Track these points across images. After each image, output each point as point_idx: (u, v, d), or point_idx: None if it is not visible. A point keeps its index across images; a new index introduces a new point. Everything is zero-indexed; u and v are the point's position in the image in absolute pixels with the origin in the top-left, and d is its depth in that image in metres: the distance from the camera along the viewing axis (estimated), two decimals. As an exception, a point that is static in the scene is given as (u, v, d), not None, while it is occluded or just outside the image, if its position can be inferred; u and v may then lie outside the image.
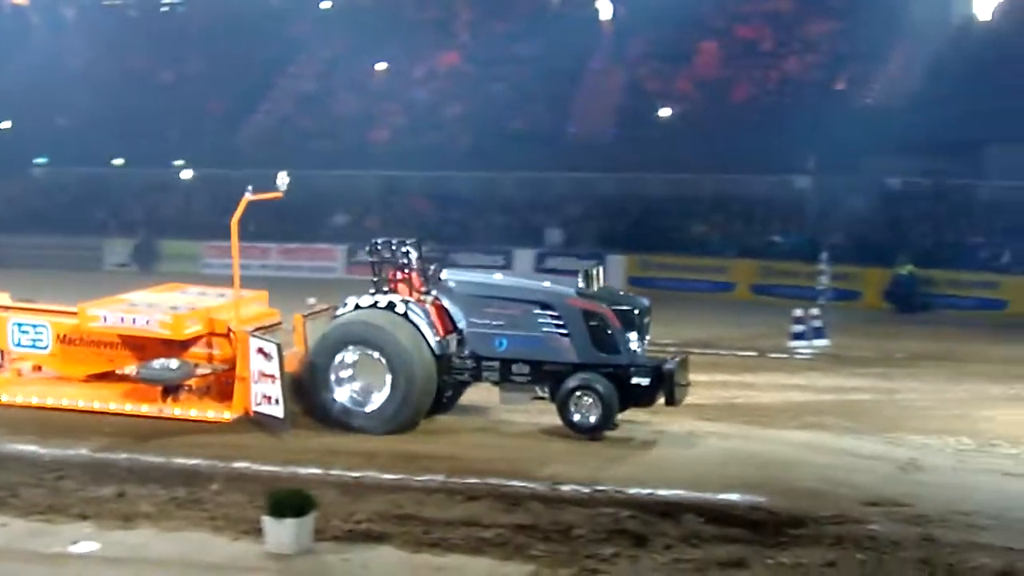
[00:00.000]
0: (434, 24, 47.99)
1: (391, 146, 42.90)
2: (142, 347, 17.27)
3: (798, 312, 25.06)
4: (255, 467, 14.76)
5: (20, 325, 17.85)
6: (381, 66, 46.33)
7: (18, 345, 18.04)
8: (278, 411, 15.95)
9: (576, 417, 16.06)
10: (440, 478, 14.31)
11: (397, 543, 12.07)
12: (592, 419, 15.99)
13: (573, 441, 16.27)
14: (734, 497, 13.72)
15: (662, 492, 13.89)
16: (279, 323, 17.65)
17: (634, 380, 16.05)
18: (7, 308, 18.37)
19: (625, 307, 16.64)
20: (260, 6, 50.50)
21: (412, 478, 14.33)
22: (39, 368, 18.56)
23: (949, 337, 26.36)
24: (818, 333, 24.83)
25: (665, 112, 41.18)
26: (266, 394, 16.05)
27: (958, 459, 15.72)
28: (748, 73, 41.43)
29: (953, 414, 18.41)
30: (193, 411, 16.82)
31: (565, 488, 13.94)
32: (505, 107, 43.39)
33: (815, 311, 25.07)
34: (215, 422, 16.58)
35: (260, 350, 16.06)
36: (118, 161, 45.06)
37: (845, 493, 13.98)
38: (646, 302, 17.15)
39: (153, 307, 17.44)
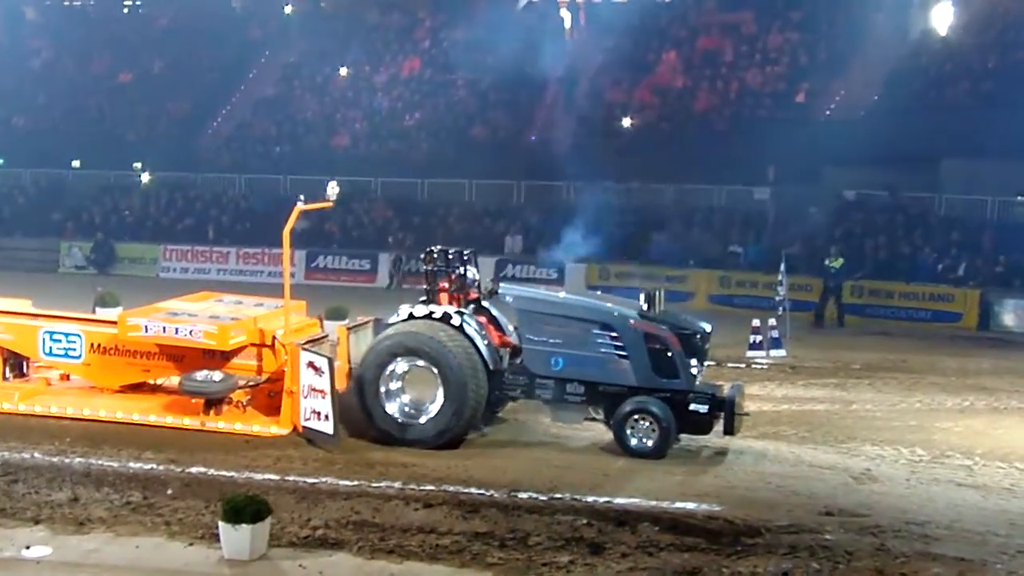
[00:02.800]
0: (396, 30, 47.92)
1: (352, 152, 42.81)
2: (181, 357, 16.93)
3: (756, 322, 25.19)
4: (211, 472, 14.68)
5: (52, 334, 17.44)
6: (343, 71, 46.25)
7: (49, 354, 17.60)
8: (328, 427, 15.64)
9: (633, 442, 15.82)
10: (397, 485, 14.29)
11: (353, 550, 12.06)
12: (650, 443, 15.76)
13: (531, 449, 16.29)
14: (690, 506, 13.78)
15: (619, 500, 13.93)
16: (326, 335, 17.36)
17: (692, 407, 15.85)
18: (37, 316, 17.99)
19: (687, 331, 16.38)
20: (222, 9, 50.30)
21: (369, 484, 14.30)
22: (67, 377, 18.17)
23: (904, 349, 26.56)
24: (775, 343, 24.95)
25: (626, 122, 41.27)
26: (315, 409, 15.72)
27: (912, 470, 15.85)
28: (709, 84, 41.62)
29: (908, 425, 18.56)
30: (238, 425, 16.43)
31: (522, 496, 13.95)
32: (467, 114, 43.41)
33: (772, 321, 25.22)
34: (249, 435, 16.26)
35: (311, 364, 15.73)
36: (76, 163, 44.71)
37: (800, 503, 14.08)
38: (708, 327, 16.86)
39: (194, 316, 17.10)
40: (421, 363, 16.07)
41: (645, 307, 16.41)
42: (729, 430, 16.06)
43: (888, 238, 33.51)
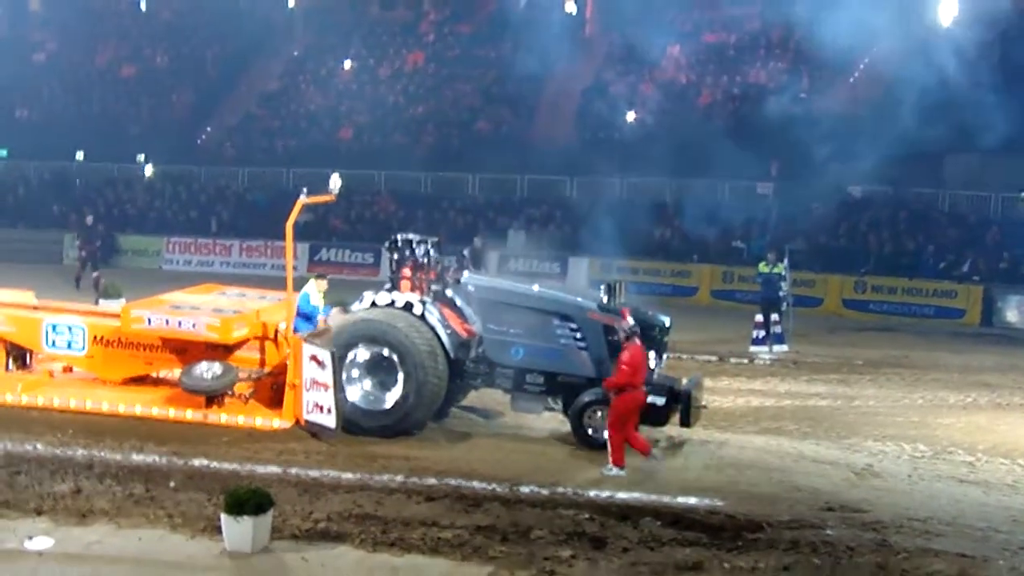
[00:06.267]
0: (400, 24, 47.95)
1: (356, 145, 42.81)
2: (184, 350, 16.89)
3: (759, 317, 25.18)
4: (214, 465, 14.68)
5: (55, 326, 17.42)
6: (347, 65, 46.23)
7: (52, 346, 17.57)
8: (330, 421, 15.61)
9: (589, 431, 15.87)
10: (399, 478, 14.29)
11: (355, 542, 12.06)
12: (605, 435, 15.67)
13: (531, 443, 16.29)
14: (692, 501, 13.78)
15: (621, 495, 13.93)
16: (328, 329, 17.43)
17: (649, 399, 15.77)
18: (40, 308, 17.99)
19: (646, 324, 16.36)
20: (226, 2, 50.24)
21: (371, 477, 14.30)
22: (69, 369, 18.16)
23: (907, 344, 26.56)
24: (778, 339, 24.96)
25: (630, 116, 41.24)
26: (318, 403, 15.68)
27: (914, 466, 15.85)
28: (713, 79, 41.55)
29: (910, 421, 18.57)
30: (240, 418, 16.38)
31: (524, 490, 13.95)
32: (470, 108, 43.39)
33: (776, 317, 25.19)
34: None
35: (313, 357, 15.70)
36: (80, 155, 44.72)
37: (802, 498, 14.07)
38: (666, 320, 16.92)
39: (197, 309, 17.07)
40: (382, 351, 16.11)
41: (605, 299, 16.47)
42: (686, 422, 16.13)
43: (891, 234, 33.47)
